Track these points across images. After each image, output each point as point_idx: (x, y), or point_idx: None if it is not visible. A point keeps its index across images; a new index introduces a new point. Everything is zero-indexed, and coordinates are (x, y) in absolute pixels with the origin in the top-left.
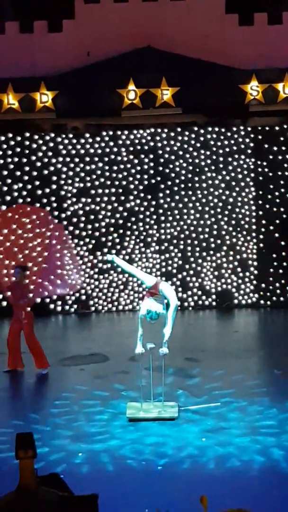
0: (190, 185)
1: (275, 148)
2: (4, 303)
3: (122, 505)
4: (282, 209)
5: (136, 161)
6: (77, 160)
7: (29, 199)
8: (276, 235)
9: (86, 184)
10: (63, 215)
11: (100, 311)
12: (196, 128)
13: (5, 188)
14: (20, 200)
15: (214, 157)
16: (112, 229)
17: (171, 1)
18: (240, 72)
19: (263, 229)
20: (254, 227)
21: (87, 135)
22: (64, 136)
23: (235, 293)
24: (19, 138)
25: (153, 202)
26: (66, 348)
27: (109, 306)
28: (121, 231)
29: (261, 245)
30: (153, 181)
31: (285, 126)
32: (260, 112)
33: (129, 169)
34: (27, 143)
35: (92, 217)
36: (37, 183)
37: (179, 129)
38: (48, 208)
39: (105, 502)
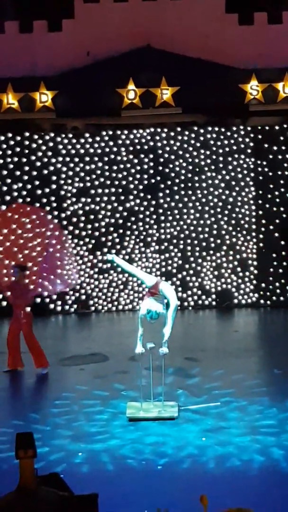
0: (190, 184)
1: (275, 148)
2: (4, 303)
3: (122, 504)
4: (282, 209)
5: (136, 160)
6: (76, 160)
7: (29, 199)
8: (276, 234)
9: (86, 184)
10: (63, 215)
11: (100, 311)
12: (196, 128)
13: (5, 188)
14: (20, 200)
15: (214, 156)
16: (112, 229)
17: (171, 1)
18: (240, 72)
19: (263, 229)
20: (254, 226)
21: (87, 134)
22: (63, 135)
23: (235, 292)
24: (18, 138)
25: (153, 202)
26: (66, 348)
27: (109, 306)
28: (121, 231)
29: (261, 244)
30: (153, 180)
31: (285, 126)
32: (260, 111)
33: (129, 169)
34: (27, 143)
35: (92, 217)
36: (37, 183)
37: (179, 129)
38: (48, 208)
39: (105, 501)
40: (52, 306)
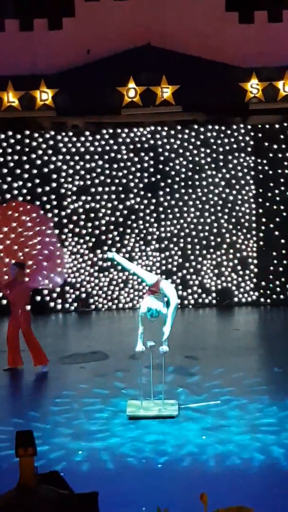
0: (190, 183)
1: (275, 146)
2: (4, 302)
3: (122, 503)
4: (282, 207)
5: (136, 159)
6: (77, 158)
7: (29, 197)
8: (276, 233)
9: (86, 182)
10: (63, 213)
11: (100, 309)
12: (196, 126)
13: (5, 186)
14: (20, 198)
15: (214, 155)
16: (112, 227)
17: None
18: (240, 70)
19: (263, 227)
20: (254, 225)
21: (87, 133)
22: (64, 134)
23: (235, 291)
24: (19, 136)
25: (153, 200)
26: (66, 346)
27: (109, 304)
28: (121, 229)
29: (261, 243)
30: (153, 179)
31: (285, 124)
32: (260, 110)
33: (129, 167)
34: (27, 141)
35: (92, 215)
36: (37, 181)
37: (179, 127)
38: (48, 206)
39: (105, 500)
40: (52, 304)
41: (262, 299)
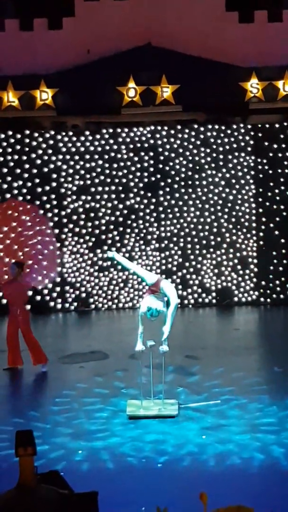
0: (190, 183)
1: (275, 146)
2: (4, 301)
3: (122, 502)
4: (282, 207)
5: (136, 158)
6: (77, 157)
7: (29, 197)
8: (276, 232)
9: (86, 182)
10: (63, 213)
11: (100, 309)
12: (196, 126)
13: (5, 186)
14: (20, 198)
15: (214, 154)
16: (112, 226)
17: None
18: (240, 70)
19: (263, 227)
20: (254, 224)
21: (87, 132)
22: (64, 133)
23: (235, 290)
24: (19, 136)
25: (153, 200)
26: (66, 345)
27: (109, 303)
28: (121, 228)
29: (261, 242)
30: (153, 178)
31: (285, 124)
32: (260, 109)
33: (129, 166)
34: (27, 140)
35: (92, 214)
36: (37, 180)
37: (179, 127)
38: (48, 205)
39: (105, 499)
40: (52, 304)
41: (262, 299)
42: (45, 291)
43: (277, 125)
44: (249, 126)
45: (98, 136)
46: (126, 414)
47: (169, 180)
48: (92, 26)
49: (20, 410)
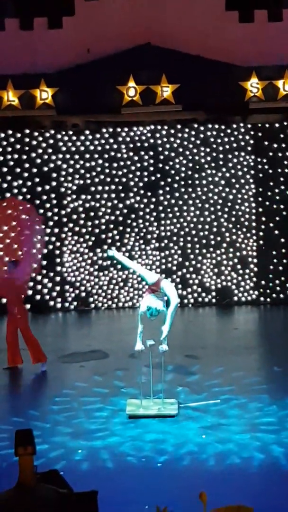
0: (190, 182)
1: (275, 145)
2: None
3: (121, 502)
4: (282, 206)
5: (136, 158)
6: (77, 157)
7: (29, 196)
8: (276, 232)
9: (86, 181)
10: (63, 212)
11: (100, 308)
12: (196, 125)
13: (5, 185)
14: (20, 197)
15: (214, 154)
16: (112, 226)
17: None
18: (240, 69)
19: (263, 226)
20: (254, 224)
21: (87, 132)
22: (64, 133)
23: (235, 290)
24: (19, 135)
25: (153, 199)
26: (66, 345)
27: (109, 303)
28: (121, 228)
29: (261, 242)
30: (153, 178)
31: (285, 123)
32: (260, 109)
33: (129, 166)
34: (27, 140)
35: (92, 214)
36: (37, 180)
37: (179, 126)
38: (48, 204)
39: (104, 498)
40: (52, 303)
41: (262, 298)
42: (45, 291)
43: (277, 125)
44: (249, 126)
45: (98, 136)
46: (125, 413)
47: (169, 180)
48: (92, 25)
49: (20, 409)
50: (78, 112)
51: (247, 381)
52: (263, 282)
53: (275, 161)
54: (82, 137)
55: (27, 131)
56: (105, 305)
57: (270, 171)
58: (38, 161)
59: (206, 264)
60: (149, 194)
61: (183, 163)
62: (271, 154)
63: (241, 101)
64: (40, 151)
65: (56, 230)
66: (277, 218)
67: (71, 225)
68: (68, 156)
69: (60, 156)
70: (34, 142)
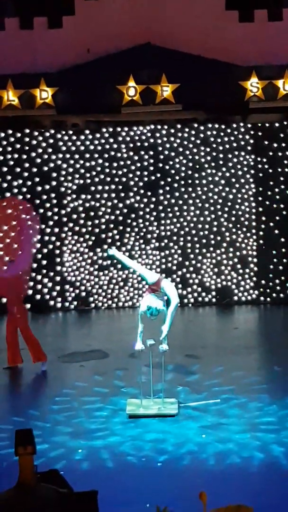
0: (190, 181)
1: (275, 145)
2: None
3: (122, 501)
4: (282, 206)
5: (136, 157)
6: (77, 156)
7: (29, 196)
8: (276, 231)
9: (86, 181)
10: (63, 212)
11: (100, 308)
12: (196, 125)
13: (5, 185)
14: (20, 197)
15: (214, 153)
16: (112, 225)
17: None
18: (240, 69)
19: (263, 226)
20: (254, 223)
21: (87, 131)
22: (64, 132)
23: (235, 289)
24: (19, 135)
25: (153, 199)
26: (66, 344)
27: (109, 302)
28: (121, 227)
29: (261, 241)
30: (153, 177)
31: (285, 123)
32: (260, 108)
33: (129, 165)
34: (27, 139)
35: (92, 213)
36: (37, 179)
37: (179, 126)
38: (48, 204)
39: (104, 498)
40: (52, 303)
41: (262, 298)
42: (45, 290)
43: (277, 124)
44: (249, 125)
45: (98, 135)
46: (126, 413)
47: (169, 179)
48: (92, 25)
49: (20, 409)
50: (78, 111)
51: (247, 381)
52: (263, 282)
53: (275, 161)
54: (82, 137)
55: (27, 130)
56: (105, 305)
57: (270, 170)
58: (38, 160)
59: (206, 263)
60: (149, 193)
61: (183, 162)
62: (271, 153)
63: (241, 100)
64: (40, 150)
65: (56, 229)
66: (277, 218)
67: (71, 224)
68: (68, 155)
69: (60, 155)
70: (34, 142)
